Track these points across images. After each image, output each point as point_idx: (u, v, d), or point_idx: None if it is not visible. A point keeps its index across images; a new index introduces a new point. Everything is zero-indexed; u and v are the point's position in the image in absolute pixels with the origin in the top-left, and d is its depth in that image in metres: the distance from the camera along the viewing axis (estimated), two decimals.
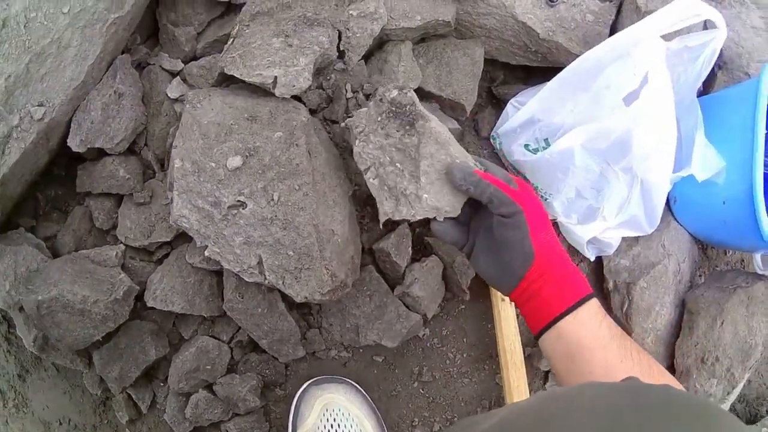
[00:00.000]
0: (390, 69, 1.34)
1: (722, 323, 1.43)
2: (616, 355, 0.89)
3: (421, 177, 1.02)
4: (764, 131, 1.33)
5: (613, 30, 1.53)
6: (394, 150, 1.04)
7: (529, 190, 1.02)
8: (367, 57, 1.36)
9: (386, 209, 1.06)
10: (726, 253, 1.75)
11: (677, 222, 1.60)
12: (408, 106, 1.02)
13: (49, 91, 1.20)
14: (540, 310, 0.96)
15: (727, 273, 1.57)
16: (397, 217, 1.06)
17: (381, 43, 1.39)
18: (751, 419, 1.70)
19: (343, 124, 1.13)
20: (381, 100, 1.04)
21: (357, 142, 1.06)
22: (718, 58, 1.58)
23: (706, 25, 1.42)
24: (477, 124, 1.60)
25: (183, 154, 1.16)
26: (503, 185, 0.97)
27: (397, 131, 1.03)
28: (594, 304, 0.95)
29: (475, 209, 1.08)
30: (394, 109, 1.02)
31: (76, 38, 1.19)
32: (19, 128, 1.18)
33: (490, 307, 1.42)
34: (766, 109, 1.35)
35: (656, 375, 0.91)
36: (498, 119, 1.56)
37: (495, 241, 0.99)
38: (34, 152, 1.24)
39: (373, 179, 1.07)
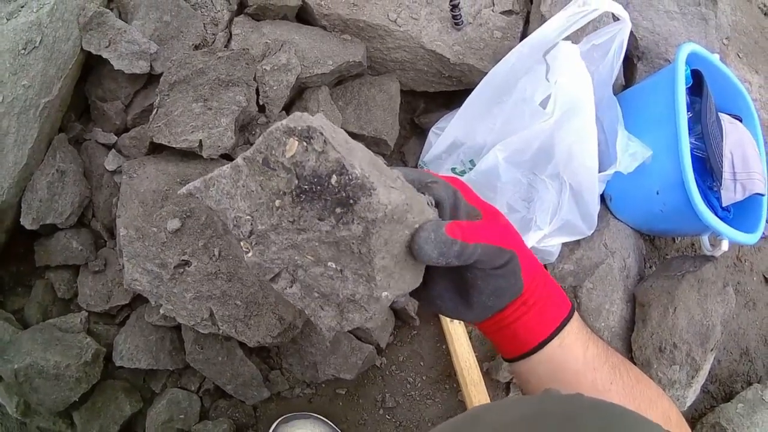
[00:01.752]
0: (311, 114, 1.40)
1: (675, 310, 1.46)
2: (606, 378, 0.81)
3: (377, 275, 0.64)
4: (686, 114, 1.38)
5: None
6: (320, 246, 0.65)
7: (497, 213, 0.83)
8: (287, 107, 1.43)
9: (328, 324, 0.69)
10: (674, 241, 1.79)
11: (617, 219, 1.64)
12: (331, 167, 0.60)
13: None
14: (517, 337, 0.82)
15: (673, 261, 1.62)
16: (347, 329, 0.69)
17: (300, 91, 1.46)
18: (726, 397, 1.72)
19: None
20: (271, 154, 0.62)
21: (243, 246, 0.68)
22: (635, 49, 1.66)
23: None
24: (404, 156, 1.67)
25: (126, 223, 1.23)
26: (487, 232, 0.75)
27: (321, 219, 0.62)
28: (576, 320, 0.83)
29: None
30: (307, 177, 0.61)
31: (14, 125, 1.27)
32: None
33: (441, 329, 1.48)
34: (685, 93, 1.41)
35: (643, 388, 0.82)
36: (421, 149, 1.63)
37: (468, 285, 0.77)
38: None
39: (289, 288, 0.69)
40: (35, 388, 1.28)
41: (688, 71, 1.48)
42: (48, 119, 1.33)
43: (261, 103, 1.35)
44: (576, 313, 0.84)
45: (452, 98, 1.65)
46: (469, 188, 0.83)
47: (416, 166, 1.63)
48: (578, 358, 0.81)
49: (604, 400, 0.65)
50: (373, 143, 1.51)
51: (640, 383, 0.82)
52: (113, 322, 1.43)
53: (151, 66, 1.36)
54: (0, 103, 1.25)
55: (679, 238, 1.80)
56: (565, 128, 1.34)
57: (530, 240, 1.45)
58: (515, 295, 0.78)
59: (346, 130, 1.38)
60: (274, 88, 1.35)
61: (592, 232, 1.51)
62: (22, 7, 1.30)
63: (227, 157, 1.31)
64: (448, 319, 1.44)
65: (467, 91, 1.52)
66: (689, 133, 1.41)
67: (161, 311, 1.23)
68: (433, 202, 0.75)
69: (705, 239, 1.58)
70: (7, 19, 1.29)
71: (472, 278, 0.76)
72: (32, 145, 1.30)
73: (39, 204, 1.34)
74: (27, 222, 1.34)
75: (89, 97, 1.46)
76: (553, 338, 0.81)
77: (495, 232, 0.76)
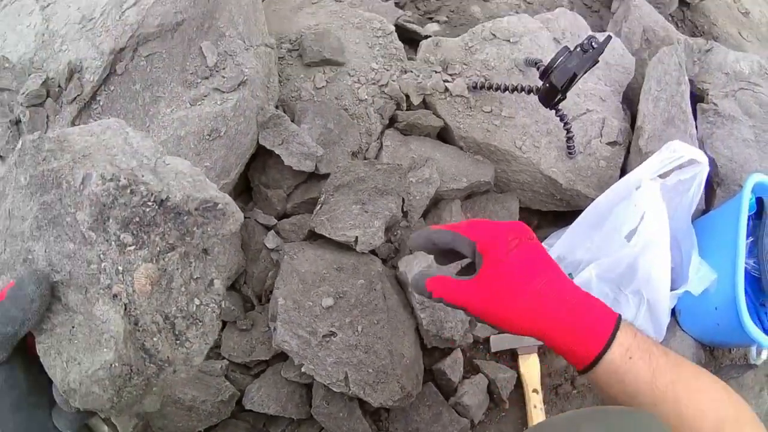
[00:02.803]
0: (443, 221, 1.67)
1: None
2: (666, 380, 0.86)
3: None
4: (745, 240, 1.58)
5: (623, 171, 1.85)
6: None
7: (500, 260, 0.93)
8: (425, 214, 1.69)
9: None
10: (730, 351, 1.94)
11: (682, 330, 1.83)
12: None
13: None
14: (571, 357, 0.92)
15: (724, 368, 1.81)
16: None
17: (436, 202, 1.72)
18: None
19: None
20: None
21: None
22: (716, 176, 1.88)
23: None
24: None
25: (285, 294, 1.48)
26: (467, 295, 0.92)
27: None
28: (625, 333, 0.89)
29: None
30: None
31: None
32: None
33: (527, 414, 1.70)
34: (749, 219, 1.61)
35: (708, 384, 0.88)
36: None
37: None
38: None
39: None
40: (164, 415, 1.50)
41: (754, 199, 1.69)
42: None
43: (405, 209, 1.61)
44: (625, 325, 0.90)
45: (559, 217, 1.90)
46: (486, 228, 0.97)
47: None
48: (637, 367, 0.86)
49: (606, 408, 0.82)
50: None
51: (698, 379, 0.87)
52: (249, 372, 1.65)
53: (315, 166, 1.62)
54: (184, 175, 1.49)
55: (734, 350, 1.94)
56: (646, 255, 1.56)
57: None
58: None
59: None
60: (417, 197, 1.62)
61: (660, 340, 1.71)
62: (205, 96, 1.56)
63: (373, 252, 1.56)
64: (532, 404, 1.65)
65: (572, 213, 1.78)
66: (749, 255, 1.62)
67: (303, 369, 1.45)
68: None
69: (752, 350, 1.76)
70: (191, 104, 1.55)
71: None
72: None
73: None
74: None
75: (252, 182, 1.73)
76: (605, 353, 0.87)
77: (455, 290, 0.92)
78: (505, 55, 1.90)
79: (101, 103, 1.50)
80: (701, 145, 1.92)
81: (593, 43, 1.57)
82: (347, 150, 1.69)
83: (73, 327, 0.70)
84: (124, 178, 0.70)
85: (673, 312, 1.83)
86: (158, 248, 0.73)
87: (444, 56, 1.90)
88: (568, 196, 1.82)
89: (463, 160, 1.76)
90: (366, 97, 1.78)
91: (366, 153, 1.73)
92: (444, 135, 1.84)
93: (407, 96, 1.81)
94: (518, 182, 1.82)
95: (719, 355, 1.92)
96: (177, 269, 0.75)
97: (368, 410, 1.58)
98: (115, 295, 0.70)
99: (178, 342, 0.77)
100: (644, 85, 1.94)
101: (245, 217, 1.72)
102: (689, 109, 1.90)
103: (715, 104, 2.00)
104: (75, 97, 1.47)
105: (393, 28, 1.98)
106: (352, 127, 1.72)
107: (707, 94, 2.04)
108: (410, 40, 2.12)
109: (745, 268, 1.68)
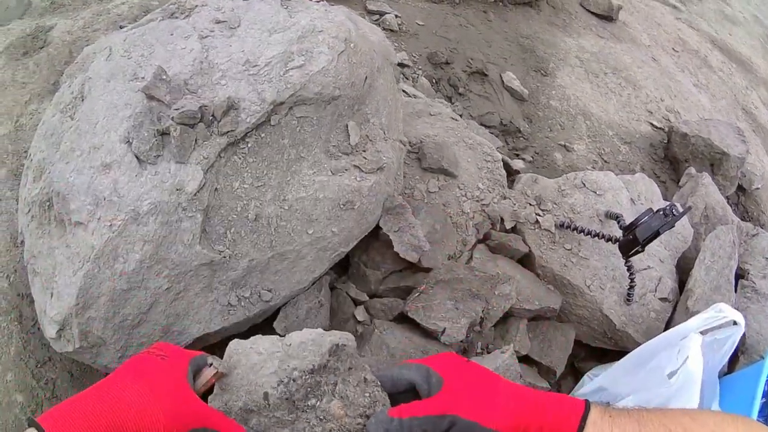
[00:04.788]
0: (509, 337, 1.88)
1: None
2: None
3: None
4: (760, 402, 1.76)
5: (667, 325, 2.08)
6: None
7: (457, 377, 1.03)
8: (495, 325, 1.89)
9: None
10: None
11: None
12: None
13: (278, 283, 1.65)
14: None
15: None
16: None
17: (506, 317, 1.93)
18: None
19: None
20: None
21: None
22: (740, 344, 2.09)
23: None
24: (560, 388, 2.11)
25: (371, 363, 1.62)
26: (425, 406, 0.99)
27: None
28: (595, 418, 0.96)
29: None
30: None
31: (311, 254, 1.68)
32: (247, 300, 1.61)
33: None
34: (764, 383, 1.80)
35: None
36: (575, 384, 2.08)
37: None
38: (246, 321, 1.65)
39: None
40: None
41: None
42: (333, 262, 1.76)
43: (482, 316, 1.81)
44: (594, 409, 0.98)
45: (604, 354, 2.11)
46: (448, 360, 1.11)
47: None
48: (621, 421, 0.93)
49: None
50: (545, 371, 1.95)
51: (688, 412, 0.95)
52: None
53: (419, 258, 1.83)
54: (309, 235, 1.65)
55: None
56: (678, 396, 1.71)
57: None
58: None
59: (529, 356, 1.85)
60: (495, 308, 1.82)
61: None
62: (346, 170, 1.74)
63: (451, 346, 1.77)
64: None
65: (616, 352, 2.01)
66: (760, 414, 1.80)
67: None
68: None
69: None
70: (332, 173, 1.72)
71: None
72: (316, 276, 1.72)
73: (295, 319, 1.75)
74: (279, 327, 1.73)
75: (352, 257, 1.92)
76: (586, 414, 0.95)
77: (433, 405, 0.98)
78: (590, 204, 2.14)
79: (249, 145, 1.62)
80: None
81: (674, 211, 1.84)
82: (445, 252, 1.92)
83: None
84: (288, 378, 1.13)
85: None
86: (329, 390, 1.14)
87: (539, 193, 2.16)
88: (618, 337, 2.04)
89: (537, 286, 1.98)
90: (468, 211, 2.02)
91: (458, 259, 1.94)
92: (525, 260, 2.07)
93: (502, 219, 2.05)
94: (578, 316, 2.04)
95: None
96: (346, 390, 1.15)
97: None
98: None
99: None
100: (700, 254, 2.19)
101: (338, 288, 1.91)
102: (733, 282, 2.15)
103: (753, 283, 2.26)
104: (227, 132, 1.57)
105: (500, 156, 2.24)
106: (453, 234, 1.95)
107: (748, 273, 2.30)
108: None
109: None
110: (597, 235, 1.99)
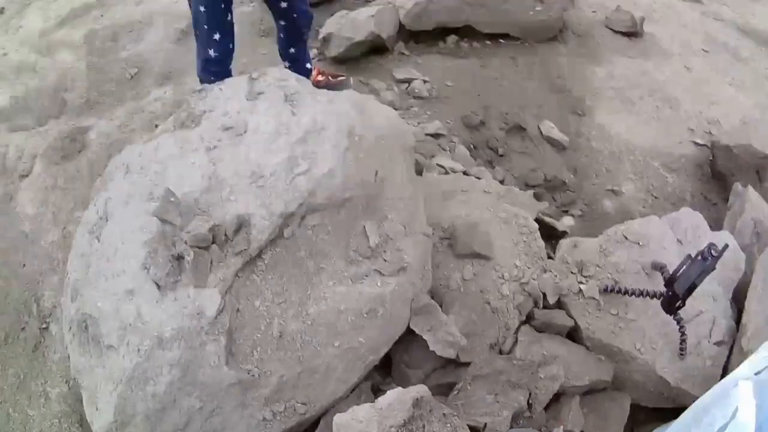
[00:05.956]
0: (562, 416, 1.78)
1: None
2: None
3: None
4: None
5: (725, 370, 1.94)
6: None
7: None
8: (546, 407, 1.80)
9: None
10: None
11: None
12: None
13: (312, 395, 1.63)
14: None
15: None
16: None
17: (557, 396, 1.84)
18: None
19: None
20: None
21: None
22: None
23: None
24: None
25: None
26: None
27: None
28: None
29: None
30: None
31: (341, 366, 1.66)
32: (283, 414, 1.60)
33: None
34: None
35: None
36: None
37: None
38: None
39: None
40: None
41: None
42: (367, 368, 1.73)
43: (530, 402, 1.73)
44: None
45: (662, 413, 1.96)
46: None
47: None
48: None
49: None
50: None
51: None
52: None
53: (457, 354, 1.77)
54: (336, 347, 1.64)
55: None
56: None
57: None
58: None
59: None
60: (543, 392, 1.75)
61: None
62: (366, 276, 1.72)
63: None
64: None
65: (674, 409, 1.87)
66: None
67: None
68: None
69: None
70: (352, 281, 1.71)
71: None
72: (350, 386, 1.69)
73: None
74: None
75: (394, 357, 1.87)
76: None
77: None
78: (634, 258, 2.05)
79: (266, 262, 1.65)
80: None
81: (713, 251, 1.75)
82: (486, 342, 1.85)
83: None
84: None
85: None
86: None
87: (580, 258, 2.07)
88: (674, 395, 1.92)
89: (586, 360, 1.89)
90: (508, 293, 1.94)
91: (502, 346, 1.88)
92: (572, 333, 1.99)
93: (544, 294, 1.97)
94: (632, 381, 1.93)
95: None
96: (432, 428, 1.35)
97: None
98: None
99: None
100: (752, 282, 2.06)
101: (382, 390, 1.83)
102: None
103: None
104: (241, 251, 1.61)
105: (536, 226, 2.17)
106: (493, 321, 1.89)
107: None
108: (547, 234, 2.32)
109: None
110: (642, 293, 1.90)
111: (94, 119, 3.31)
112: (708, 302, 2.05)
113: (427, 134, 2.82)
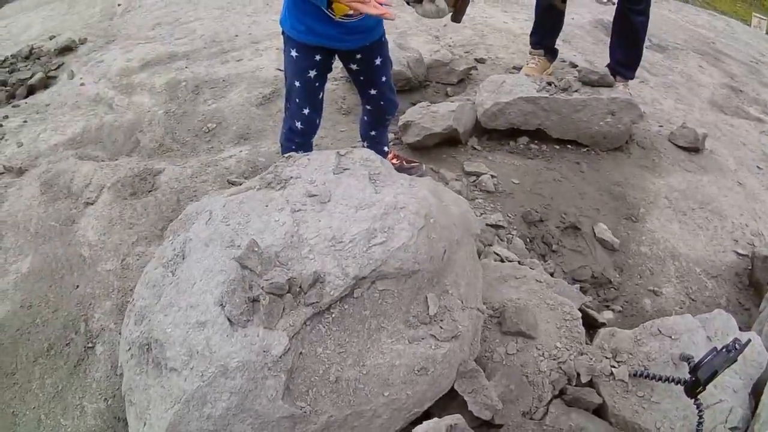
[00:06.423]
0: None
1: None
2: None
3: None
4: None
5: None
6: None
7: None
8: None
9: None
10: None
11: None
12: None
13: None
14: None
15: None
16: None
17: None
18: None
19: None
20: None
21: None
22: None
23: None
24: None
25: None
26: None
27: None
28: None
29: None
30: None
31: (387, 414, 1.83)
32: None
33: None
34: None
35: None
36: None
37: None
38: None
39: None
40: None
41: None
42: (408, 422, 1.90)
43: None
44: None
45: None
46: None
47: None
48: None
49: None
50: None
51: None
52: None
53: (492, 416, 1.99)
54: (385, 397, 1.80)
55: None
56: None
57: None
58: None
59: None
60: None
61: None
62: (422, 339, 1.90)
63: None
64: None
65: None
66: None
67: None
68: None
69: None
70: (409, 342, 1.88)
71: None
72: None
73: None
74: None
75: (432, 413, 2.02)
76: None
77: None
78: (665, 350, 2.25)
79: (333, 315, 1.81)
80: None
81: (737, 345, 1.97)
82: (519, 409, 2.07)
83: None
84: None
85: None
86: None
87: (615, 345, 2.30)
88: None
89: None
90: (545, 369, 2.17)
91: (534, 414, 2.09)
92: (599, 410, 2.19)
93: (578, 374, 2.19)
94: None
95: None
96: None
97: None
98: None
99: None
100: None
101: None
102: None
103: None
104: (313, 303, 1.77)
105: (580, 314, 2.40)
106: (528, 392, 2.11)
107: None
108: (589, 324, 2.54)
109: None
110: (668, 379, 2.09)
111: (165, 164, 3.53)
112: (728, 393, 2.22)
113: (488, 224, 3.07)
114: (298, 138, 2.65)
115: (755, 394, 2.28)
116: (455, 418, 1.47)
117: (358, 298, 1.83)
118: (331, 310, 1.81)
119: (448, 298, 2.00)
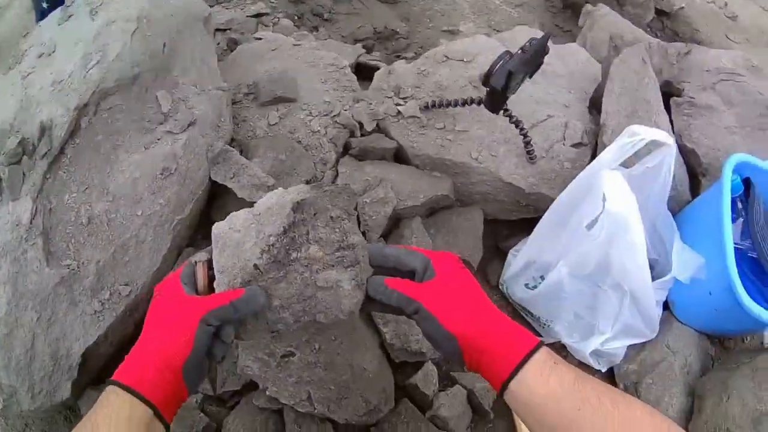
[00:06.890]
0: (405, 242, 1.68)
1: (728, 398, 1.55)
2: (571, 405, 0.91)
3: None
4: (730, 220, 1.53)
5: None
6: None
7: (448, 278, 1.09)
8: (386, 234, 1.70)
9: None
10: (744, 341, 1.87)
11: (680, 322, 1.77)
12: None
13: (132, 274, 1.57)
14: (489, 378, 1.01)
15: (731, 355, 1.75)
16: None
17: (397, 221, 1.74)
18: None
19: None
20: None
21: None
22: (698, 166, 1.86)
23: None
24: (487, 276, 1.91)
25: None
26: (406, 286, 1.08)
27: None
28: (540, 358, 0.96)
29: None
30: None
31: (150, 234, 1.59)
32: (110, 301, 1.55)
33: (513, 422, 1.67)
34: (736, 200, 1.59)
35: (622, 410, 0.89)
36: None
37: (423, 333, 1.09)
38: (121, 321, 1.58)
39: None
40: None
41: (739, 180, 1.65)
42: (179, 234, 1.65)
43: (362, 230, 1.63)
44: (543, 352, 0.97)
45: (532, 224, 1.80)
46: (445, 258, 1.13)
47: (497, 285, 1.88)
48: (539, 393, 0.93)
49: None
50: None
51: (618, 407, 0.89)
52: (224, 406, 1.65)
53: None
54: (139, 216, 1.58)
55: (749, 338, 1.87)
56: (616, 245, 1.52)
57: (593, 343, 1.65)
58: (453, 340, 1.00)
59: None
60: (374, 218, 1.64)
61: (654, 334, 1.67)
62: (159, 140, 1.67)
63: None
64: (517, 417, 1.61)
65: (539, 219, 1.73)
66: (744, 237, 1.60)
67: (267, 393, 1.47)
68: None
69: (765, 334, 1.73)
70: (145, 148, 1.66)
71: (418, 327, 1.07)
72: (165, 252, 1.61)
73: None
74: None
75: (212, 220, 1.76)
76: (512, 377, 0.95)
77: (413, 289, 1.07)
78: (459, 75, 1.94)
79: (69, 156, 1.62)
80: (679, 139, 1.92)
81: (531, 43, 1.60)
82: (301, 179, 1.73)
83: None
84: (268, 245, 1.12)
85: (667, 304, 1.80)
86: (304, 239, 1.14)
87: (396, 82, 1.96)
88: (534, 201, 1.81)
89: (419, 178, 1.78)
90: (319, 128, 1.83)
91: (321, 181, 1.76)
92: (400, 156, 1.88)
93: (360, 123, 1.86)
94: (480, 193, 1.82)
95: (730, 346, 1.86)
96: (318, 234, 1.16)
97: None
98: None
99: None
100: (607, 85, 1.96)
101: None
102: (655, 101, 1.90)
103: (691, 97, 2.01)
104: (45, 153, 1.60)
105: (346, 62, 2.05)
106: (306, 158, 1.77)
107: (683, 91, 2.05)
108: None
109: (742, 250, 1.66)
110: (464, 102, 1.79)
111: None
112: (557, 108, 1.96)
113: (248, 16, 2.69)
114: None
115: (596, 109, 2.02)
116: (302, 192, 1.15)
117: (87, 128, 1.65)
118: (65, 152, 1.64)
119: (182, 89, 1.78)
